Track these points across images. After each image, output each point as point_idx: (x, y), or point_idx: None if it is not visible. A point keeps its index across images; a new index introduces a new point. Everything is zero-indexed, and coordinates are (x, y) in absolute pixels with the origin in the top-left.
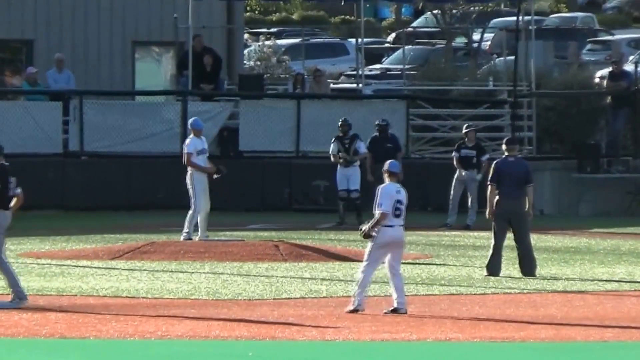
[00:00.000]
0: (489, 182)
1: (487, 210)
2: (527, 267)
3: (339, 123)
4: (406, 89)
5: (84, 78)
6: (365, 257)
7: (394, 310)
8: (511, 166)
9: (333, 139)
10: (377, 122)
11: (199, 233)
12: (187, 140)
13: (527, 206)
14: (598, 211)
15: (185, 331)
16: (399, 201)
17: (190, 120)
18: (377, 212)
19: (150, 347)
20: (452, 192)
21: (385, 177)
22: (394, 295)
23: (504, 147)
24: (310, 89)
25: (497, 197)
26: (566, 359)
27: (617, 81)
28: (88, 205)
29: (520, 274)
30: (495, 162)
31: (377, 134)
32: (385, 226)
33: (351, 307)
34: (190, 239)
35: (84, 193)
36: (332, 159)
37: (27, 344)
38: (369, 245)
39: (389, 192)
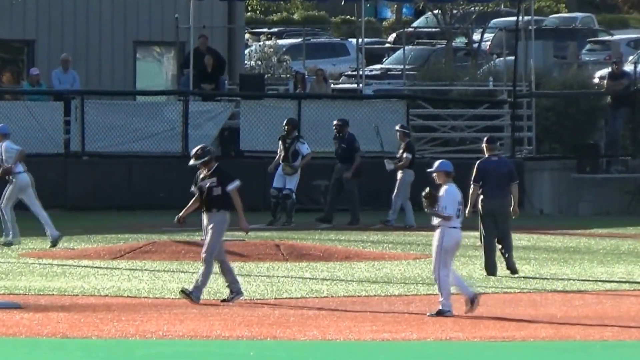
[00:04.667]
0: (472, 182)
1: (467, 208)
2: (511, 264)
3: (284, 122)
4: (406, 89)
5: (85, 78)
6: (439, 263)
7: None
8: (494, 165)
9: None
10: (334, 122)
11: None
12: None
13: (512, 204)
14: (597, 211)
15: (187, 331)
16: (459, 202)
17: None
18: (442, 214)
19: (151, 347)
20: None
21: (441, 178)
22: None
23: (484, 146)
24: (311, 89)
25: (481, 197)
26: (566, 358)
27: (617, 81)
28: (89, 205)
29: (510, 273)
30: (478, 162)
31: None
32: (451, 228)
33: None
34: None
35: (85, 193)
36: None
37: (29, 344)
38: (436, 250)
39: (453, 194)
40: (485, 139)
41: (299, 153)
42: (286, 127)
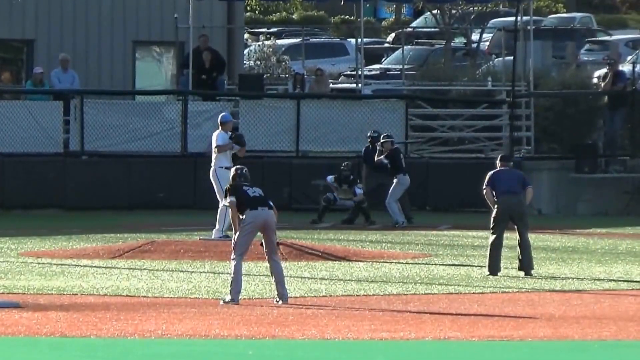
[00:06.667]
0: (484, 187)
1: (494, 208)
2: (526, 265)
3: (342, 166)
4: (405, 89)
5: (84, 77)
6: None
7: None
8: (505, 173)
9: (333, 177)
10: (369, 134)
11: (218, 229)
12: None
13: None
14: (596, 211)
15: (186, 330)
16: None
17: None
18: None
19: (150, 346)
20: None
21: None
22: None
23: (497, 163)
24: (310, 88)
25: (495, 198)
26: (564, 358)
27: (613, 82)
28: (88, 204)
29: (518, 272)
30: (489, 172)
31: (369, 145)
32: None
33: None
34: (228, 237)
35: (84, 192)
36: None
37: (27, 343)
38: None
39: None
40: (499, 156)
41: (355, 194)
42: (344, 169)
